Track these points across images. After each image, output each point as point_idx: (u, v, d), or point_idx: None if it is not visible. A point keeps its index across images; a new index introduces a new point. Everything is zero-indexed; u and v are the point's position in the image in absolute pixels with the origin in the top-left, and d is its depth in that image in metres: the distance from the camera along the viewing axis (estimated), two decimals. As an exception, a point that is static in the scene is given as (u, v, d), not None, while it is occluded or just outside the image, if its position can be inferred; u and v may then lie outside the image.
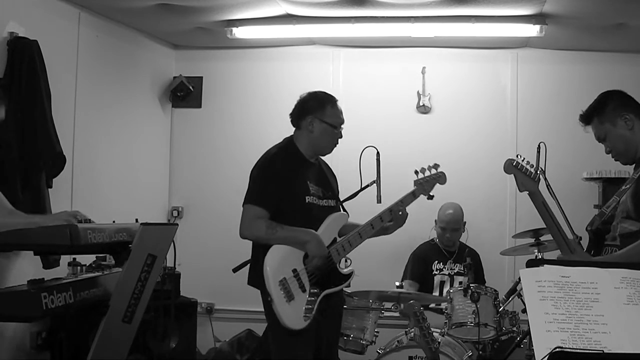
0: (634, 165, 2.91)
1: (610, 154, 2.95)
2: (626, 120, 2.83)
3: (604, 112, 2.88)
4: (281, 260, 3.18)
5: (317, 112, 3.32)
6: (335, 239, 3.33)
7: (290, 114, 3.40)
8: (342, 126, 3.40)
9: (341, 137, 3.40)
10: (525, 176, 2.80)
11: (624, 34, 4.86)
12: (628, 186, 2.81)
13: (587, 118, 2.94)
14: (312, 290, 3.21)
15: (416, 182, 3.45)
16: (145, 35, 5.44)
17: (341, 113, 3.40)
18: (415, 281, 4.84)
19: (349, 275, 3.37)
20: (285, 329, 3.14)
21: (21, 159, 3.87)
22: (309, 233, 3.20)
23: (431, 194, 3.45)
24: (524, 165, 2.81)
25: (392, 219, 3.38)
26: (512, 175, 2.82)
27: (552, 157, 4.19)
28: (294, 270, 3.19)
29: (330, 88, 5.47)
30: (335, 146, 3.42)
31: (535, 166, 4.12)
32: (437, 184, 3.48)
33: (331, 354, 3.46)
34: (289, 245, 3.19)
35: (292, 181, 3.25)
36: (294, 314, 3.15)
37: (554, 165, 4.34)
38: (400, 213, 3.37)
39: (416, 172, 3.45)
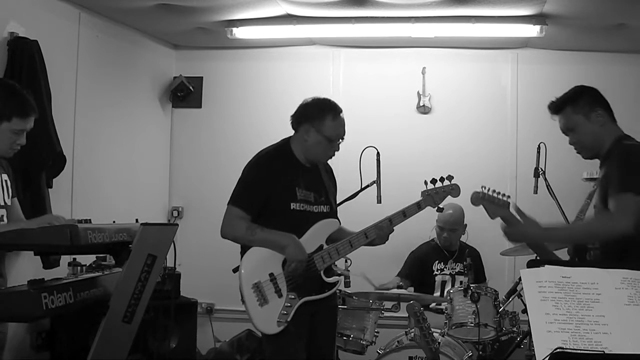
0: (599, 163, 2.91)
1: (573, 146, 2.94)
2: (599, 115, 2.84)
3: (578, 103, 2.88)
4: (258, 263, 3.15)
5: (316, 122, 3.20)
6: (321, 246, 3.23)
7: (292, 116, 3.31)
8: (341, 138, 3.28)
9: (338, 149, 3.29)
10: (493, 205, 2.82)
11: (624, 34, 4.86)
12: (595, 187, 2.82)
13: (558, 107, 2.93)
14: (289, 296, 3.15)
15: (423, 193, 3.29)
16: (145, 35, 5.44)
17: (342, 126, 3.25)
18: (408, 281, 4.81)
19: (333, 284, 3.27)
20: (260, 332, 3.14)
21: (21, 159, 3.86)
22: (288, 237, 3.14)
23: (441, 206, 3.32)
24: (490, 194, 2.83)
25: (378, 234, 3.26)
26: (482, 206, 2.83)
27: (552, 157, 4.21)
28: (271, 275, 3.14)
29: (330, 88, 5.52)
30: (331, 157, 3.33)
31: (535, 166, 4.15)
32: (450, 196, 3.33)
33: (325, 357, 3.41)
34: (267, 247, 3.15)
35: (277, 185, 3.18)
36: (267, 318, 3.11)
37: (554, 165, 4.36)
38: (385, 232, 3.26)
39: (426, 183, 3.29)
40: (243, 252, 3.21)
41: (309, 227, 3.22)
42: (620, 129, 2.89)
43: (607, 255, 2.76)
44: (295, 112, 3.30)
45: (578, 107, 2.87)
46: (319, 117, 3.20)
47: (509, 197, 2.88)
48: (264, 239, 3.14)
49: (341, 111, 3.26)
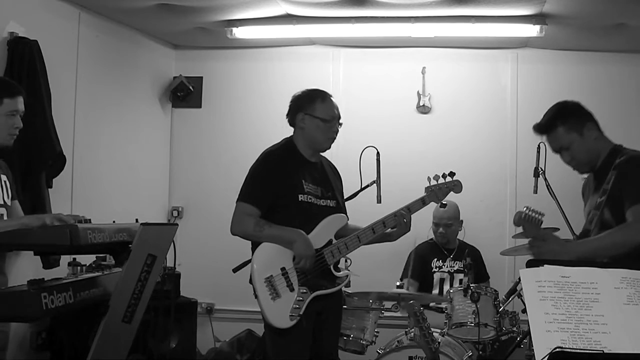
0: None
1: (568, 164, 2.90)
2: (590, 129, 2.81)
3: (569, 120, 2.83)
4: (270, 258, 3.18)
5: (307, 109, 3.30)
6: (330, 241, 3.28)
7: (286, 115, 3.40)
8: (339, 120, 3.34)
9: (337, 131, 3.34)
10: (532, 225, 2.81)
11: (624, 34, 4.86)
12: (603, 198, 2.77)
13: (548, 127, 2.86)
14: (301, 290, 3.18)
15: (427, 189, 3.37)
16: (145, 35, 5.44)
17: (334, 107, 3.33)
18: (415, 280, 4.85)
19: (343, 278, 3.32)
20: (271, 327, 3.15)
21: (21, 159, 3.86)
22: (296, 233, 3.18)
23: (443, 202, 3.39)
24: (530, 214, 2.79)
25: (395, 225, 3.32)
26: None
27: (552, 157, 4.17)
28: (283, 269, 3.18)
29: (330, 88, 5.47)
30: (333, 140, 3.36)
31: (535, 166, 4.14)
32: (452, 192, 3.41)
33: (329, 355, 3.44)
34: (275, 243, 3.19)
35: (285, 179, 3.24)
36: (279, 312, 3.14)
37: (554, 165, 4.33)
38: (405, 220, 3.32)
39: (429, 179, 3.37)
40: (254, 248, 3.23)
41: (316, 219, 3.26)
42: (608, 138, 2.87)
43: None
44: (288, 108, 3.39)
45: (569, 124, 2.82)
46: (309, 103, 3.31)
47: (542, 214, 2.83)
48: (272, 235, 3.18)
49: (330, 95, 3.37)
